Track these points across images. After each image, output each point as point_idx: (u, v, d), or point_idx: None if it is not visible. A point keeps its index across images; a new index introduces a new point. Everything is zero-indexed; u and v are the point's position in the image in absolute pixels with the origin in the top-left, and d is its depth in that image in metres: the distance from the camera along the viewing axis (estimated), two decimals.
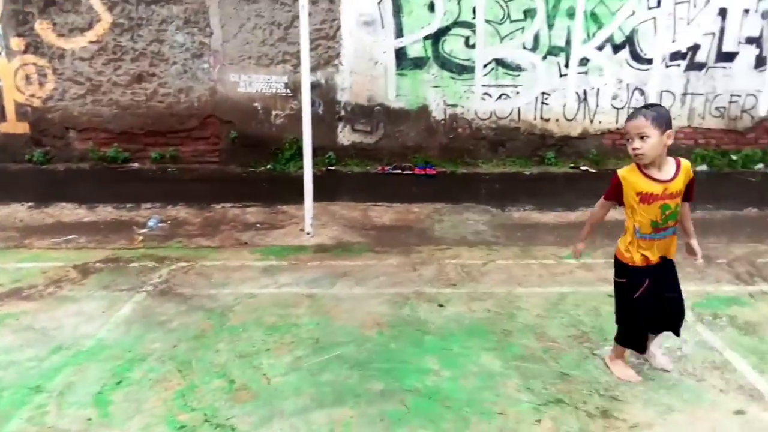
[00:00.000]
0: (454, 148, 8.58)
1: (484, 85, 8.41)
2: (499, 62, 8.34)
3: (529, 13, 8.18)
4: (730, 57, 8.40)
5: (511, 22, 8.20)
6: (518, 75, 8.39)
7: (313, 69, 7.67)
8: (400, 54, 8.29)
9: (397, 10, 8.14)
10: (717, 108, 8.57)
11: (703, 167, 8.24)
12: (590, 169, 8.32)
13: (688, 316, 3.40)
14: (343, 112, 8.48)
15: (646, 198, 2.82)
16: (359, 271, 4.63)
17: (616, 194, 2.94)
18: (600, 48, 8.32)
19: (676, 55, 8.38)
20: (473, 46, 8.27)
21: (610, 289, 4.11)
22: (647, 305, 2.97)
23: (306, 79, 5.30)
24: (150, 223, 5.86)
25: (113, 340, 3.52)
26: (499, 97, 8.46)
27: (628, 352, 3.15)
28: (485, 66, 8.34)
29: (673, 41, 8.33)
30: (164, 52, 8.16)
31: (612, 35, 8.27)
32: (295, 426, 2.72)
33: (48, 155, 8.36)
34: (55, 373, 3.16)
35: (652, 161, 2.80)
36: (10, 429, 2.71)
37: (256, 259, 4.92)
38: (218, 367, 3.22)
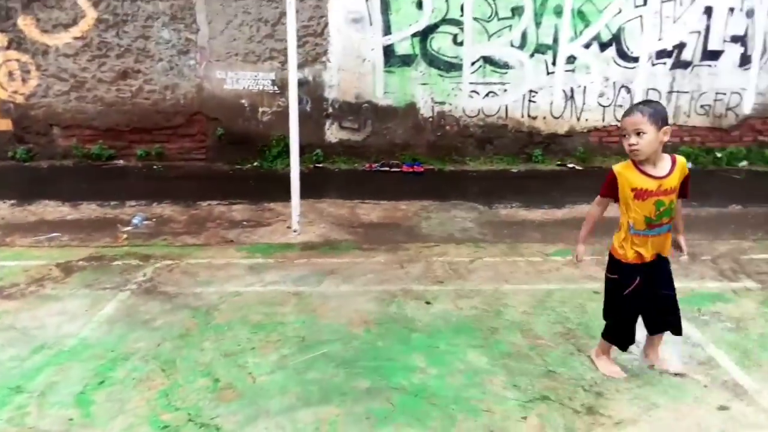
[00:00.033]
0: (441, 145, 8.58)
1: (471, 83, 8.42)
2: (487, 60, 8.35)
3: (516, 11, 8.19)
4: (715, 55, 8.47)
5: (499, 19, 8.21)
6: (506, 73, 8.40)
7: (301, 66, 7.64)
8: (388, 51, 8.27)
9: (385, 8, 8.12)
10: (702, 106, 8.64)
11: (689, 165, 8.26)
12: (577, 167, 8.36)
13: None
14: (330, 110, 8.45)
15: (640, 194, 2.82)
16: (346, 268, 4.61)
17: (611, 190, 2.92)
18: (587, 46, 8.35)
19: (662, 54, 8.43)
20: (461, 44, 8.27)
21: (596, 286, 4.16)
22: (636, 303, 2.98)
23: (293, 76, 5.26)
24: (135, 221, 5.80)
25: (96, 340, 3.48)
26: (487, 95, 8.47)
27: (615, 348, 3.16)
28: (473, 63, 8.34)
29: (659, 39, 8.38)
30: (150, 48, 8.09)
31: (599, 33, 8.31)
32: (281, 425, 2.70)
33: (31, 152, 8.26)
34: (37, 373, 3.12)
35: (648, 158, 2.79)
36: None
37: (242, 257, 4.89)
38: (203, 366, 3.19)
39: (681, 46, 8.41)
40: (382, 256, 4.89)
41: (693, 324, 3.64)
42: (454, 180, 7.82)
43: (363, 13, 8.13)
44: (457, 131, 8.59)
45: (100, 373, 3.12)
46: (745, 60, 8.50)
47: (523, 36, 8.28)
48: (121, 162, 8.31)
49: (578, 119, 8.62)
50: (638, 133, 2.74)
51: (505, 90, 8.46)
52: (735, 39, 8.42)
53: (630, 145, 2.77)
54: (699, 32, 8.37)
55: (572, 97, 8.52)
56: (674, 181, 2.83)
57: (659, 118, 2.74)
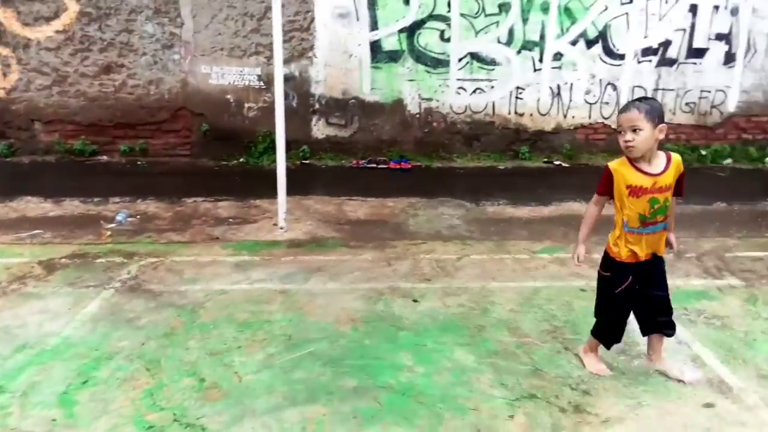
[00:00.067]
0: (429, 142, 8.57)
1: (459, 79, 8.41)
2: (474, 56, 8.35)
3: (503, 7, 8.20)
4: (700, 53, 8.54)
5: (486, 16, 8.21)
6: (493, 69, 8.40)
7: (287, 61, 7.58)
8: (375, 47, 8.24)
9: (372, 3, 8.08)
10: (687, 103, 8.71)
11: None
12: (563, 164, 8.39)
13: None
14: (317, 105, 8.41)
15: (635, 191, 2.81)
16: (333, 266, 4.59)
17: (607, 187, 2.90)
18: (573, 43, 8.37)
19: (647, 51, 8.49)
20: (448, 40, 8.26)
21: (583, 283, 4.19)
22: (627, 302, 2.98)
23: (279, 71, 5.21)
24: (118, 218, 5.73)
25: (79, 338, 3.43)
26: (474, 92, 8.47)
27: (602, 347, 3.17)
28: (460, 60, 8.34)
29: (645, 37, 8.43)
30: (133, 42, 7.99)
31: (585, 30, 8.33)
32: (267, 424, 2.68)
33: (12, 148, 8.13)
34: (19, 373, 3.07)
35: (643, 155, 2.79)
36: None
37: (227, 255, 4.84)
38: (188, 365, 3.16)
39: (666, 44, 8.46)
40: (369, 254, 4.88)
41: (678, 322, 3.64)
42: (442, 177, 7.82)
43: (349, 8, 8.09)
44: (445, 128, 8.58)
45: (84, 373, 3.07)
46: (729, 58, 8.57)
47: (510, 32, 8.29)
48: (104, 158, 8.20)
49: (565, 116, 8.65)
50: (634, 130, 2.73)
51: (492, 87, 8.47)
52: (720, 37, 8.50)
53: (625, 141, 2.76)
54: (684, 30, 8.43)
55: (559, 94, 8.55)
56: (669, 178, 2.82)
57: (656, 115, 2.73)
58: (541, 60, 8.41)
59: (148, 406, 2.80)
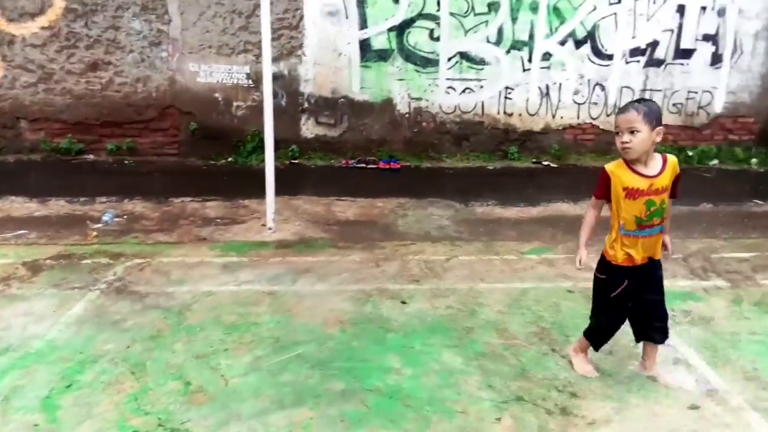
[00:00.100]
0: (418, 141, 8.56)
1: (448, 79, 8.40)
2: (464, 56, 8.34)
3: (493, 7, 8.19)
4: (687, 54, 8.58)
5: (475, 15, 8.20)
6: (482, 69, 8.41)
7: (276, 59, 7.53)
8: (365, 46, 8.21)
9: (361, 1, 8.05)
10: (674, 104, 8.75)
11: None
12: (552, 164, 8.41)
13: None
14: (306, 104, 8.37)
15: (631, 193, 2.80)
16: (321, 267, 4.57)
17: (605, 190, 2.88)
18: (562, 43, 8.39)
19: (635, 51, 8.52)
20: (438, 39, 8.25)
21: (570, 284, 4.21)
22: (622, 306, 2.97)
23: (267, 69, 5.18)
24: (105, 218, 5.67)
25: (64, 341, 3.39)
26: (463, 91, 8.47)
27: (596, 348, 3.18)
28: (449, 59, 8.33)
29: (633, 37, 8.46)
30: (120, 39, 7.91)
31: (574, 30, 8.35)
32: (253, 428, 2.66)
33: None
34: (1, 376, 3.03)
35: (639, 157, 2.78)
36: None
37: (215, 256, 4.81)
38: (174, 368, 3.13)
39: (654, 44, 8.50)
40: (357, 255, 4.86)
41: None
42: (431, 177, 7.82)
43: (339, 5, 8.05)
44: (434, 128, 8.58)
45: (67, 377, 3.04)
46: (716, 59, 8.63)
47: (500, 32, 8.29)
48: (90, 157, 8.12)
49: (554, 116, 8.66)
50: (632, 132, 2.71)
51: (482, 86, 8.47)
52: (707, 38, 8.55)
53: (622, 142, 2.75)
54: (672, 30, 8.47)
55: (548, 94, 8.56)
56: (665, 180, 2.82)
57: (654, 117, 2.72)
58: (530, 60, 8.42)
59: (132, 410, 2.78)
